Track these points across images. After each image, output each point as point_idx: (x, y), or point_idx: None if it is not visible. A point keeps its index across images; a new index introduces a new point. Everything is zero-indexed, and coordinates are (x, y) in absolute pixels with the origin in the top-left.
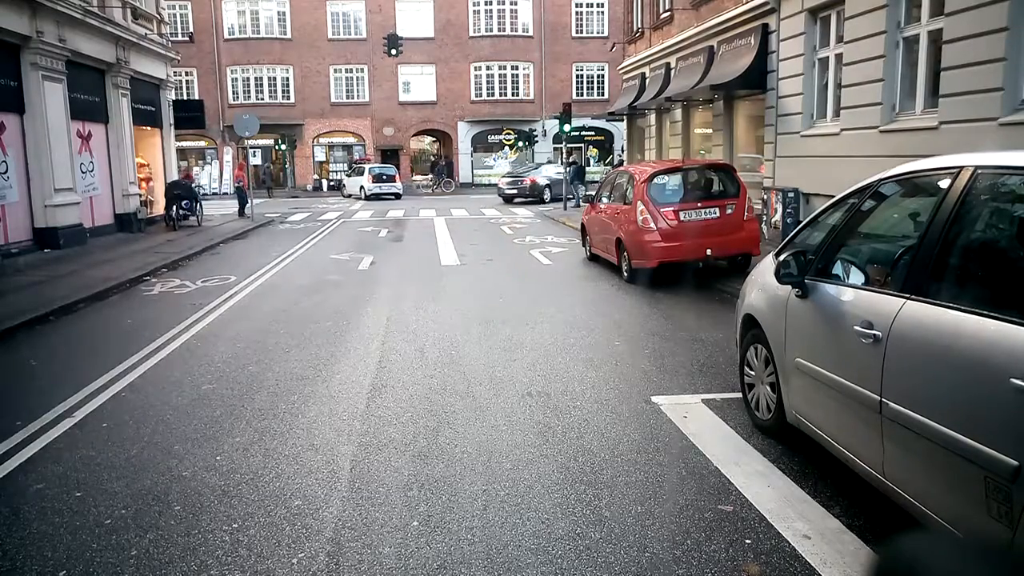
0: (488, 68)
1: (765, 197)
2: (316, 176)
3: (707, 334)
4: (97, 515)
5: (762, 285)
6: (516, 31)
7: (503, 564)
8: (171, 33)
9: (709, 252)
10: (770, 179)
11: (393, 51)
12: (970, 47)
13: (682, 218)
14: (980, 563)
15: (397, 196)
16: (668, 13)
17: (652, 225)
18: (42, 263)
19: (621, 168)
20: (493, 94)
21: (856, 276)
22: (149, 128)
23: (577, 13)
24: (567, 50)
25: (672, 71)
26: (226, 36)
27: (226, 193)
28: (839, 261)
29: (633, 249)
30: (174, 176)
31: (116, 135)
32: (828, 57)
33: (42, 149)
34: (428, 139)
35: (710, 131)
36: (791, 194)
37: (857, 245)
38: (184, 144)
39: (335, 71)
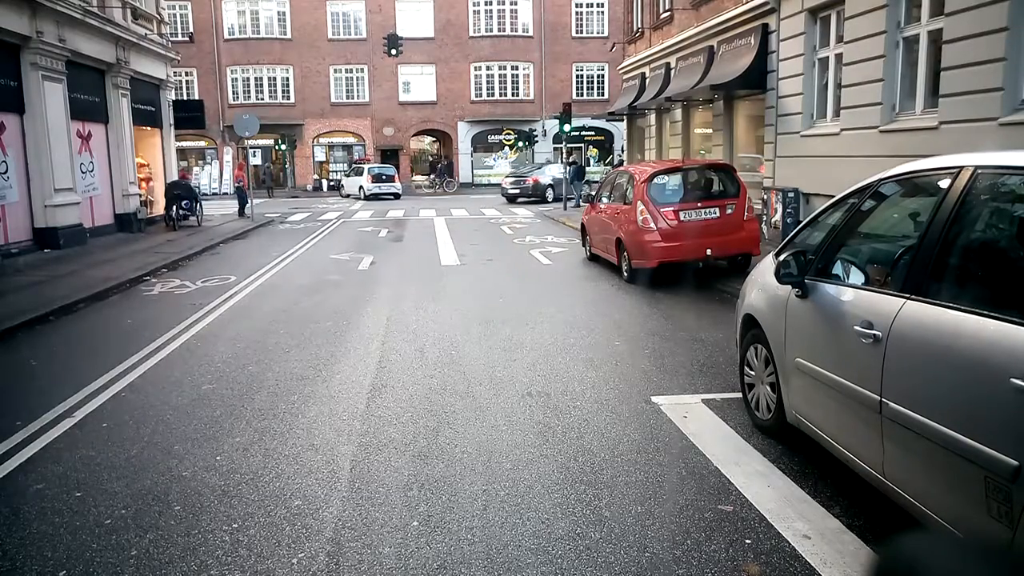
0: (488, 68)
1: (765, 197)
2: (316, 176)
3: (707, 334)
4: (97, 515)
5: (762, 285)
6: (516, 31)
7: (503, 564)
8: (171, 33)
9: (709, 252)
10: (770, 179)
11: (393, 51)
12: (970, 47)
13: (682, 218)
14: (980, 563)
15: (396, 196)
16: (668, 13)
17: (652, 225)
18: (42, 263)
19: (621, 168)
20: (493, 94)
21: (856, 276)
22: (149, 128)
23: (577, 13)
24: (567, 50)
25: (672, 71)
26: (226, 36)
27: (226, 193)
28: (839, 261)
29: (633, 249)
30: (174, 176)
31: (116, 135)
32: (828, 57)
33: (42, 149)
34: (428, 139)
35: (710, 131)
36: (791, 194)
37: (857, 245)
38: (184, 144)
39: (335, 71)
